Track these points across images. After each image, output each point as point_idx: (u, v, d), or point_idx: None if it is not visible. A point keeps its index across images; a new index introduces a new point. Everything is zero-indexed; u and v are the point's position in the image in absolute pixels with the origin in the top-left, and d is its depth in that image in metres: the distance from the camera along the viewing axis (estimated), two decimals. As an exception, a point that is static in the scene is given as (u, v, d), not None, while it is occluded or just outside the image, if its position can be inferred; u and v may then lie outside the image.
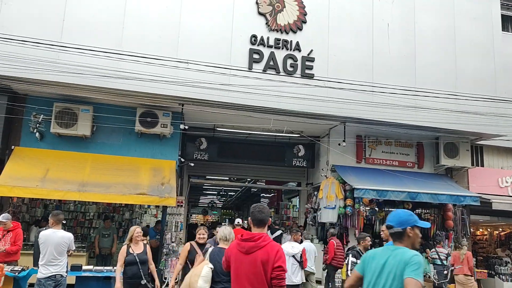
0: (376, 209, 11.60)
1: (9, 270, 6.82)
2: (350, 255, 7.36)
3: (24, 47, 8.65)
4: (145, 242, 6.76)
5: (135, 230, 6.43)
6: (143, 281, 6.16)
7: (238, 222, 12.92)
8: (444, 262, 9.74)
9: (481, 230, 17.04)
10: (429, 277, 9.48)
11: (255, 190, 21.51)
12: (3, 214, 7.92)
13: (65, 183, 9.20)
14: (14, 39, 8.61)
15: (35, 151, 9.84)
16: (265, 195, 21.93)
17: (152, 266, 6.48)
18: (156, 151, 10.58)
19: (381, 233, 7.12)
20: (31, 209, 12.10)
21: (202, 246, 5.93)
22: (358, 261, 7.06)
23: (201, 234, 6.18)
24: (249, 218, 3.65)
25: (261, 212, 3.59)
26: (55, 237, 5.99)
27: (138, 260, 6.20)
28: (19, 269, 7.08)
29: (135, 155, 10.41)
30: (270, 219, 3.68)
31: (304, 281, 8.43)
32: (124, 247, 6.34)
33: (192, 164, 11.98)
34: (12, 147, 9.74)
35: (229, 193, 26.46)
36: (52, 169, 9.46)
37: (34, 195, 9.45)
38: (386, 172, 11.73)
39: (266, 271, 3.32)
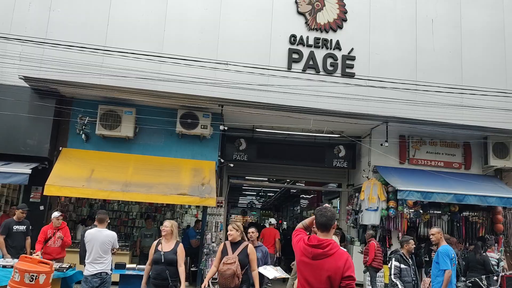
0: (421, 211, 11.20)
1: (57, 267, 7.06)
2: (393, 258, 7.11)
3: (71, 52, 8.98)
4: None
5: (163, 224, 5.82)
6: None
7: (271, 222, 12.93)
8: (495, 267, 9.27)
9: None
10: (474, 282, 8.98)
11: (295, 191, 21.39)
12: (56, 212, 8.30)
13: (109, 183, 9.46)
14: (61, 44, 8.95)
15: (81, 152, 10.18)
16: (304, 196, 21.77)
17: (181, 268, 5.61)
18: (196, 152, 10.70)
19: (431, 237, 6.83)
20: (77, 208, 12.55)
21: (235, 244, 5.55)
22: (402, 265, 6.88)
23: (229, 230, 5.63)
24: (314, 222, 3.51)
25: (322, 215, 3.36)
26: (100, 236, 6.15)
27: (163, 260, 5.51)
28: (67, 266, 7.33)
29: (176, 156, 10.57)
30: (335, 223, 3.46)
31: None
32: (154, 243, 5.79)
33: (232, 165, 12.04)
34: (60, 148, 10.13)
35: (268, 194, 26.48)
36: (97, 170, 9.76)
37: (80, 195, 9.79)
38: (431, 173, 11.33)
39: (334, 280, 3.13)
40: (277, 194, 24.75)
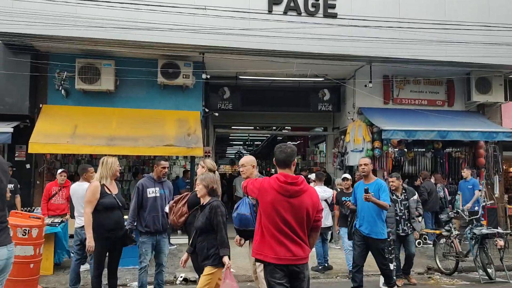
0: (405, 150, 11.41)
1: (49, 222, 7.09)
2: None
3: (41, 3, 8.56)
4: None
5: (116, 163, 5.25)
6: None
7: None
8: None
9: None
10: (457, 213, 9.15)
11: (281, 137, 21.50)
12: (59, 169, 8.34)
13: (94, 138, 9.37)
14: (30, -5, 8.52)
15: (62, 108, 10.00)
16: (291, 142, 21.93)
17: None
18: (179, 102, 10.57)
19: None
20: (64, 165, 12.45)
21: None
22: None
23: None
24: (273, 159, 3.52)
25: (282, 152, 3.39)
26: (80, 190, 6.15)
27: (119, 204, 5.12)
28: (59, 221, 7.37)
29: (159, 107, 10.43)
30: (295, 160, 3.49)
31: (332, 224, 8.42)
32: (96, 185, 5.04)
33: (217, 114, 11.95)
34: (40, 105, 9.92)
35: (255, 143, 26.57)
36: (80, 125, 9.63)
37: (65, 151, 9.73)
38: (415, 112, 11.42)
39: (310, 214, 3.36)
40: (264, 142, 24.84)
